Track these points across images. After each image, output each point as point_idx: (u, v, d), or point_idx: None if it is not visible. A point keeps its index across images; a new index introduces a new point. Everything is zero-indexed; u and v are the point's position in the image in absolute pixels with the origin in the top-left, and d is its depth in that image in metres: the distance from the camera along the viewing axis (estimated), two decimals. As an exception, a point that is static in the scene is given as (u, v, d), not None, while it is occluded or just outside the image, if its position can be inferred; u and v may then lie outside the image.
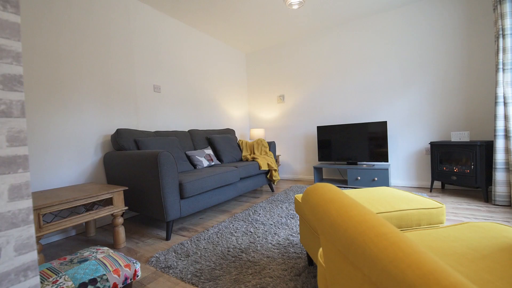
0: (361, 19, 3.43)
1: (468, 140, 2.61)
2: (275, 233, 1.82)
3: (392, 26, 3.24)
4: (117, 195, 1.77)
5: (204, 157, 2.77)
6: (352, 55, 3.54)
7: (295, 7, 2.91)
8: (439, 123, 3.02)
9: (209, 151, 2.93)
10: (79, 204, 1.57)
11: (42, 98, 1.97)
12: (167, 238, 1.86)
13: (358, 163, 3.43)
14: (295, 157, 4.13)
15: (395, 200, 1.16)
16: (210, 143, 3.18)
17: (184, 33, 3.33)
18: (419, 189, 3.07)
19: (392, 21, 3.23)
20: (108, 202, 1.78)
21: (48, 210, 1.45)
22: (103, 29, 2.40)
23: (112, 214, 1.76)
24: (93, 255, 1.18)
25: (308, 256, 1.37)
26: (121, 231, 1.80)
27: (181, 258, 1.53)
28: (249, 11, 3.09)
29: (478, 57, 2.77)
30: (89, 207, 1.86)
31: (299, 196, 1.36)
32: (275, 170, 3.09)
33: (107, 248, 1.29)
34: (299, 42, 3.99)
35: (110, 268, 1.12)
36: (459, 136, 2.67)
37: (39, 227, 1.43)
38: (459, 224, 0.88)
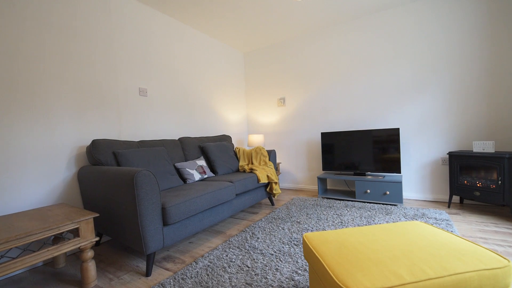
0: (370, 16, 3.13)
1: (493, 151, 2.31)
2: (276, 269, 1.52)
3: (403, 23, 2.93)
4: (85, 224, 1.46)
5: (195, 169, 2.46)
6: (360, 55, 3.23)
7: None
8: (457, 131, 2.72)
9: (201, 162, 2.62)
10: (32, 240, 1.26)
11: (1, 104, 1.65)
12: (147, 274, 1.55)
13: (367, 173, 3.13)
14: (297, 165, 3.82)
15: (441, 251, 0.86)
16: (203, 152, 2.87)
17: (175, 30, 3.01)
18: (435, 203, 2.77)
19: (403, 17, 2.93)
20: (75, 232, 1.47)
21: (-12, 251, 1.14)
22: (79, 23, 2.08)
23: (79, 248, 1.45)
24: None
25: (319, 312, 1.07)
26: (91, 267, 1.49)
27: (160, 309, 1.22)
28: (247, 6, 2.77)
29: (504, 56, 2.47)
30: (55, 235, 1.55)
31: (309, 237, 1.06)
32: (276, 182, 2.79)
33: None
34: (302, 41, 3.68)
35: None
36: (483, 146, 2.38)
37: (-24, 274, 1.12)
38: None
